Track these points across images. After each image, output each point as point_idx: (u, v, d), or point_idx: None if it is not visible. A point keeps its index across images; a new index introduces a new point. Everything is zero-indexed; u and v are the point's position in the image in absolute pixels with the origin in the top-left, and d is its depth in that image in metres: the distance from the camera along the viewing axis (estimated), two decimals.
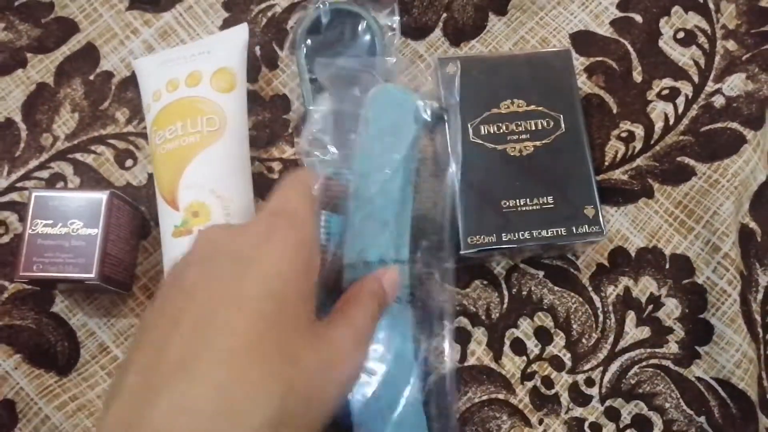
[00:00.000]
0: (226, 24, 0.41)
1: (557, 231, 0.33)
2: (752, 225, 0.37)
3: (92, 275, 0.32)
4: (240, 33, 0.38)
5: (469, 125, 0.35)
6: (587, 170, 0.34)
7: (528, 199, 0.34)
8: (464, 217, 0.33)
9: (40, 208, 0.33)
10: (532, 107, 0.35)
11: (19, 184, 0.38)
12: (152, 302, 0.21)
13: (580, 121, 0.35)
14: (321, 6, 0.38)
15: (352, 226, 0.30)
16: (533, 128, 0.35)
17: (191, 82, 0.35)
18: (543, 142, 0.34)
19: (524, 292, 0.37)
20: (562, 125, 0.35)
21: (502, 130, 0.35)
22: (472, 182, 0.34)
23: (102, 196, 0.33)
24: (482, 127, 0.34)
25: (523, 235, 0.33)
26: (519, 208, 0.33)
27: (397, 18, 0.39)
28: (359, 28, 0.38)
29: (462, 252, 0.33)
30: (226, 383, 0.18)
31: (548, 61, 0.36)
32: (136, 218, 0.37)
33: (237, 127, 0.36)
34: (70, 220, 0.33)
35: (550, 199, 0.34)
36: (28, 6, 0.41)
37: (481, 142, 0.34)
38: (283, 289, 0.20)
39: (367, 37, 0.38)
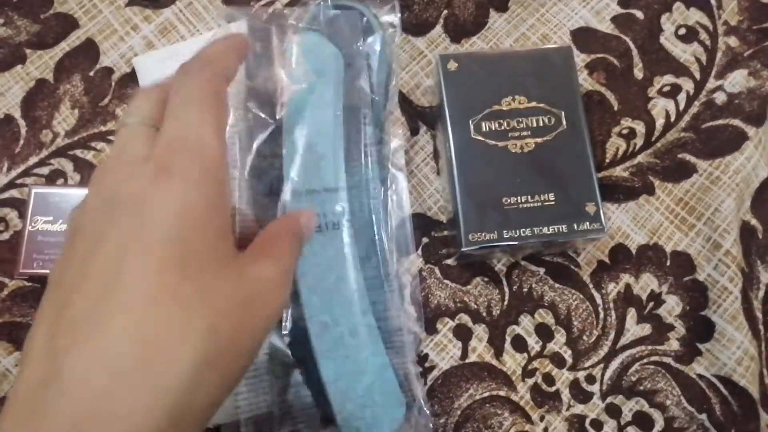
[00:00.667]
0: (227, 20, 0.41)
1: (558, 228, 0.33)
2: (753, 222, 0.37)
3: None
4: (240, 30, 0.38)
5: (470, 122, 0.34)
6: (588, 167, 0.34)
7: (529, 196, 0.33)
8: (465, 214, 0.33)
9: (40, 205, 0.33)
10: (534, 104, 0.35)
11: (18, 181, 0.38)
12: (58, 257, 0.20)
13: (581, 118, 0.35)
14: (322, 2, 0.38)
15: (292, 159, 0.32)
16: (534, 125, 0.34)
17: None
18: (544, 138, 0.34)
19: (525, 289, 0.36)
20: (564, 122, 0.35)
21: (503, 127, 0.34)
22: (473, 179, 0.34)
23: None
24: (483, 124, 0.34)
25: (524, 232, 0.33)
26: (520, 205, 0.33)
27: (398, 15, 0.39)
28: (360, 24, 0.38)
29: (463, 249, 0.33)
30: (140, 332, 0.17)
31: (549, 57, 0.36)
32: None
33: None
34: None
35: (551, 196, 0.34)
36: (27, 1, 0.41)
37: (482, 138, 0.34)
38: (191, 227, 0.19)
39: (368, 34, 0.38)
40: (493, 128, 0.34)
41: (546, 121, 0.34)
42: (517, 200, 0.33)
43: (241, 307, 0.20)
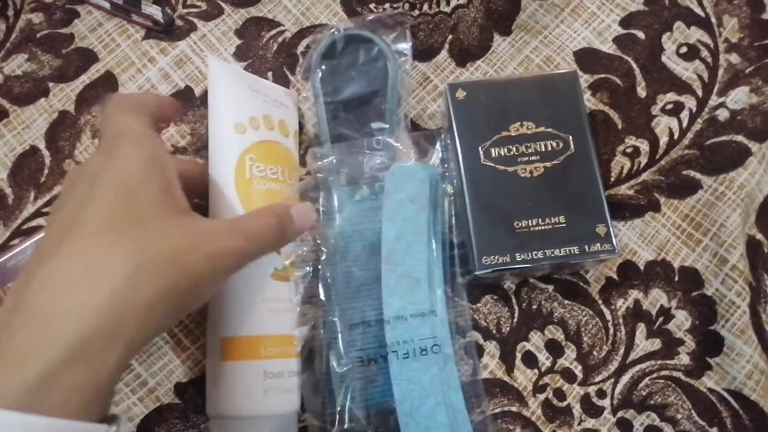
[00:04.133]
0: (239, 51, 0.42)
1: (570, 250, 0.34)
2: (759, 236, 0.38)
3: None
4: (293, 96, 0.40)
5: (479, 148, 0.35)
6: (597, 189, 0.35)
7: (540, 219, 0.34)
8: (478, 238, 0.34)
9: None
10: (541, 129, 0.36)
11: (45, 210, 0.39)
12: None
13: (588, 141, 0.36)
14: (335, 32, 0.39)
15: (388, 286, 0.34)
16: (543, 149, 0.35)
17: (267, 125, 0.36)
18: (553, 162, 0.35)
19: (534, 306, 0.37)
20: (571, 146, 0.35)
21: (512, 152, 0.35)
22: (484, 204, 0.35)
23: None
24: (493, 150, 0.35)
25: (536, 254, 0.34)
26: (531, 229, 0.34)
27: (409, 44, 0.40)
28: (372, 53, 0.39)
29: (477, 273, 0.34)
30: (85, 252, 0.22)
31: (555, 82, 0.37)
32: None
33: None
34: None
35: (561, 218, 0.34)
36: (50, 38, 0.43)
37: (492, 164, 0.35)
38: (133, 180, 0.25)
39: (380, 62, 0.39)
40: (503, 154, 0.35)
41: (554, 145, 0.35)
42: (528, 223, 0.34)
43: (176, 237, 0.24)
